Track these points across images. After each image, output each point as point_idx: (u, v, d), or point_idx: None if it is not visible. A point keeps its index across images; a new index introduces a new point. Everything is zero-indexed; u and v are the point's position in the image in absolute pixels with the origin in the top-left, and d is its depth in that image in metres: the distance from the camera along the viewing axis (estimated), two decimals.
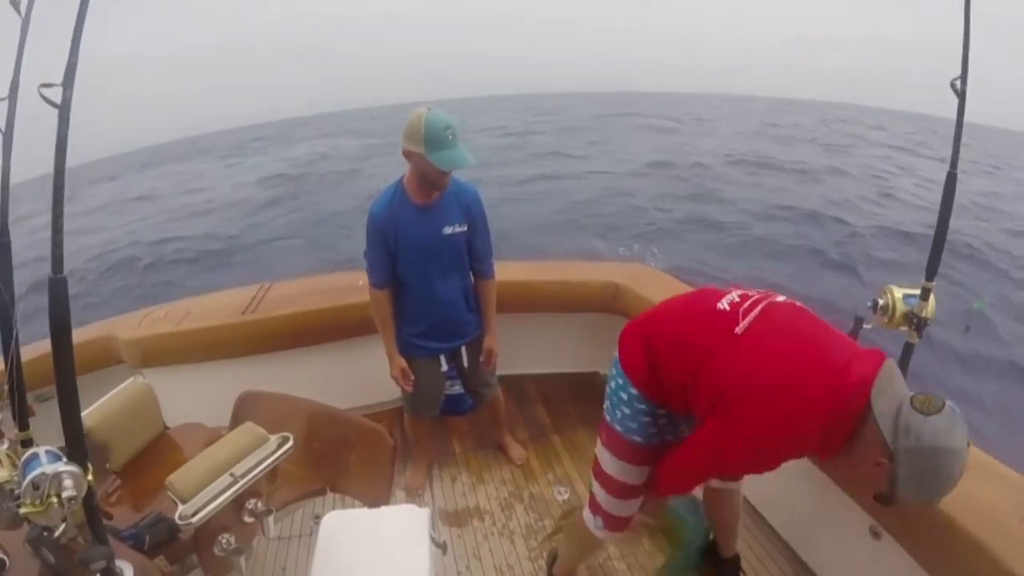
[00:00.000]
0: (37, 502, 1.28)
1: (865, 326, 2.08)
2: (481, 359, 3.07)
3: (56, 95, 1.23)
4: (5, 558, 1.73)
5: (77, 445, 1.33)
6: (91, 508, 1.37)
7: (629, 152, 23.92)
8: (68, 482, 1.27)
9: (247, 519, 2.07)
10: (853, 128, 38.49)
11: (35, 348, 3.79)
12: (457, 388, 3.65)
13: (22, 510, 1.28)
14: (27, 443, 1.67)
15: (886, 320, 2.07)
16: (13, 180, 1.56)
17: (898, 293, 2.05)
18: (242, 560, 2.04)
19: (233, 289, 4.08)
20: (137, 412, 2.55)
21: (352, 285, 3.62)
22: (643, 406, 1.78)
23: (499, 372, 3.87)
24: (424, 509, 2.32)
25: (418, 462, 3.36)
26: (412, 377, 2.94)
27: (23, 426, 1.66)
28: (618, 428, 1.85)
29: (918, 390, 1.36)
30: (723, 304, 1.64)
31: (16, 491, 1.54)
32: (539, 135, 31.62)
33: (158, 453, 2.60)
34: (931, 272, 2.06)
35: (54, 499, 1.27)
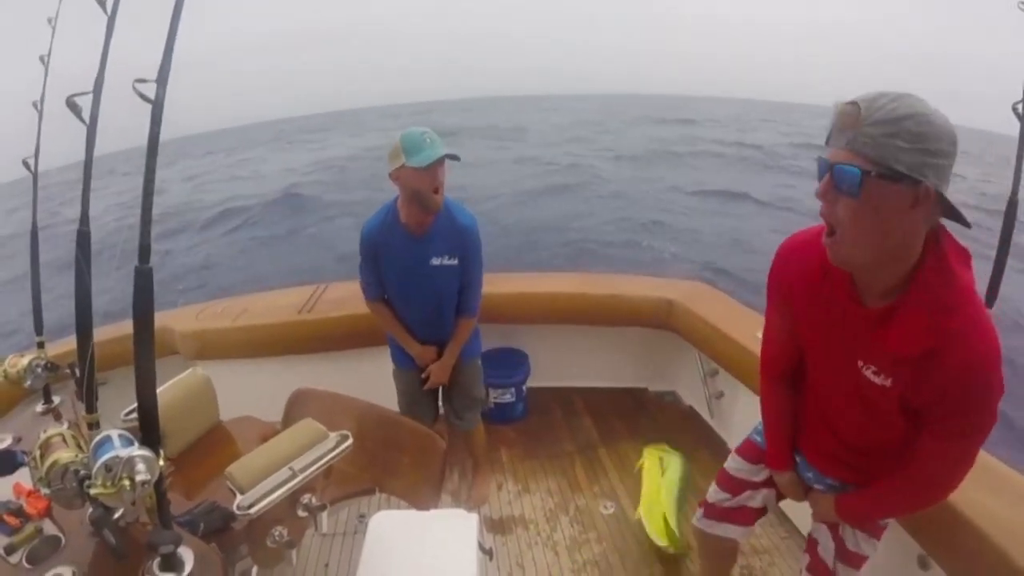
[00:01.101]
0: (108, 483, 1.29)
1: None
2: (424, 375, 2.96)
3: (150, 91, 1.25)
4: (61, 536, 1.76)
5: (151, 431, 1.35)
6: (161, 493, 1.38)
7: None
8: (141, 466, 1.29)
9: (300, 513, 2.08)
10: None
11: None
12: (507, 397, 3.65)
13: (92, 491, 1.30)
14: (93, 425, 1.71)
15: None
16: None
17: None
18: (293, 553, 2.05)
19: (290, 288, 4.15)
20: (195, 402, 2.59)
21: None
22: None
23: (550, 384, 3.95)
24: (472, 515, 2.32)
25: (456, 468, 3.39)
26: (432, 357, 2.92)
27: (91, 408, 1.70)
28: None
29: None
30: None
31: (80, 472, 1.58)
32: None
33: (212, 444, 2.63)
34: (991, 299, 2.02)
35: (126, 482, 1.28)
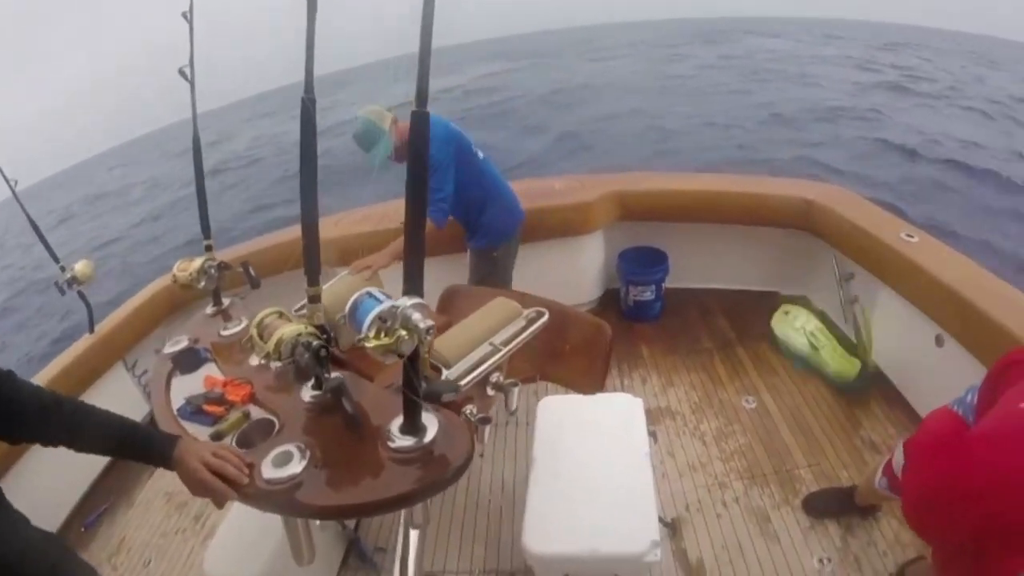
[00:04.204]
0: (382, 335, 1.29)
1: None
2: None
3: None
4: (274, 419, 1.78)
5: (417, 283, 1.33)
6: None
7: None
8: (418, 315, 1.28)
9: (490, 392, 2.09)
10: None
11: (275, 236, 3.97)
12: (647, 295, 3.73)
13: (369, 344, 1.29)
14: (314, 299, 1.72)
15: None
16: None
17: None
18: (487, 430, 2.07)
19: None
20: None
21: (549, 189, 3.82)
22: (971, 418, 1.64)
23: (685, 285, 4.09)
24: (638, 398, 2.34)
25: None
26: None
27: (313, 281, 1.70)
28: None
29: None
30: None
31: (313, 342, 1.59)
32: None
33: None
34: None
35: (402, 332, 1.27)
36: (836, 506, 2.46)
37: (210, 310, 2.55)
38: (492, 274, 3.36)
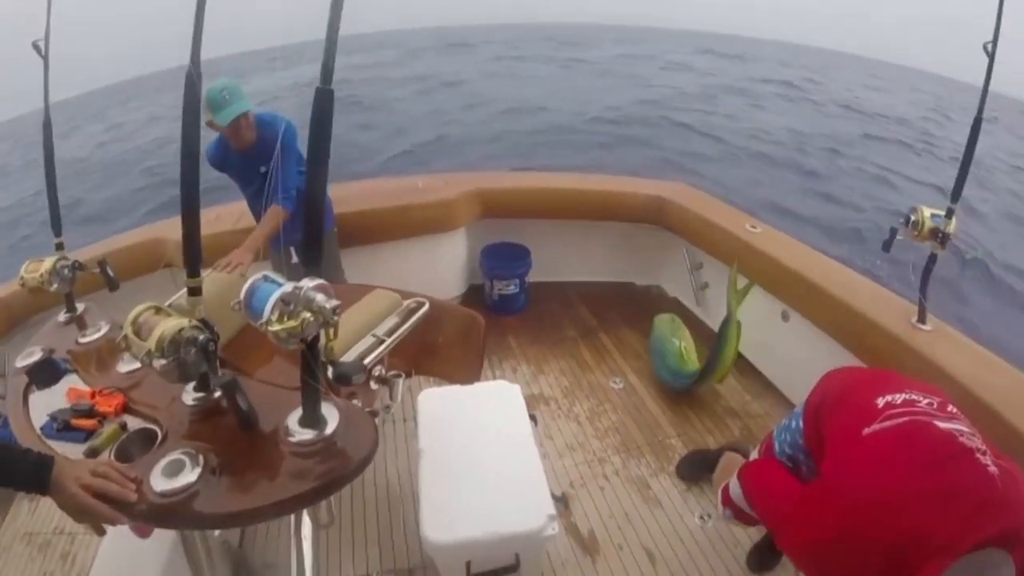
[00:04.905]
0: (285, 318, 1.26)
1: (898, 237, 2.43)
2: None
3: None
4: (156, 428, 1.66)
5: (316, 265, 1.32)
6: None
7: None
8: (321, 296, 1.26)
9: (374, 386, 2.07)
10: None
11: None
12: (511, 288, 3.88)
13: (272, 328, 1.25)
14: (195, 291, 1.63)
15: (915, 233, 2.40)
16: None
17: (927, 212, 2.38)
18: (377, 422, 2.05)
19: None
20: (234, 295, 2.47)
21: (411, 187, 3.85)
22: (800, 441, 1.75)
23: (546, 279, 4.19)
24: (515, 385, 2.43)
25: None
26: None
27: (195, 272, 1.61)
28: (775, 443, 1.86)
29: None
30: (883, 399, 1.41)
31: (200, 336, 1.51)
32: None
33: (254, 335, 2.54)
34: (955, 196, 2.38)
35: (307, 314, 1.26)
36: (707, 468, 2.63)
37: (63, 317, 2.32)
38: (337, 256, 3.39)
